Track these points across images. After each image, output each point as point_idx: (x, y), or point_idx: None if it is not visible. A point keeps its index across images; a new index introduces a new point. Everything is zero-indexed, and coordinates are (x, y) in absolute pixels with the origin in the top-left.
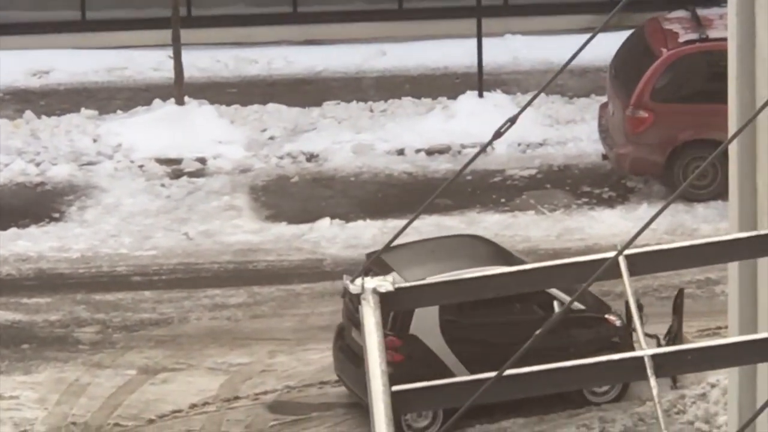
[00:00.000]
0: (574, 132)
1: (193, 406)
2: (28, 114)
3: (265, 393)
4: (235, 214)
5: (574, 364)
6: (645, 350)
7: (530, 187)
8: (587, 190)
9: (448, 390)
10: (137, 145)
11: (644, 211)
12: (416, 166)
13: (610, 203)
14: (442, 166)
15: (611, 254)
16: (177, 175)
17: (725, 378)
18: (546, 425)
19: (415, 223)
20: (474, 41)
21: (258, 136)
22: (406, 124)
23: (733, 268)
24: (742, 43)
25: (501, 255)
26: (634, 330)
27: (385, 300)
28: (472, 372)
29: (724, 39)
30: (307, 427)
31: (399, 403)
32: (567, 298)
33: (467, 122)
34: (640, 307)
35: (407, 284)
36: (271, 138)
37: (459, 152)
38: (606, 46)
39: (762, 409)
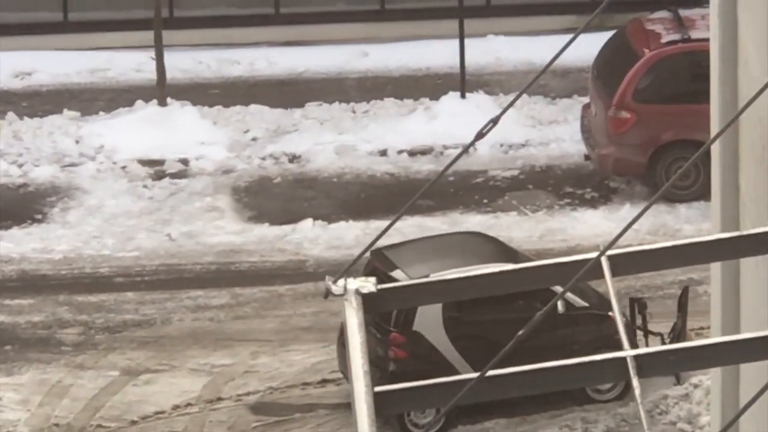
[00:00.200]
0: (556, 133)
1: (176, 407)
2: (11, 115)
3: (248, 394)
4: (218, 215)
5: (557, 365)
6: (627, 351)
7: (513, 188)
8: (570, 190)
9: (432, 391)
10: (120, 147)
11: (627, 211)
12: (399, 167)
13: (592, 204)
14: (425, 166)
15: (594, 255)
16: (159, 176)
17: (708, 378)
18: (528, 426)
19: (398, 224)
20: (456, 42)
21: (240, 137)
22: (389, 125)
23: (715, 268)
24: (724, 44)
25: (505, 252)
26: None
27: (369, 301)
28: (475, 368)
29: (707, 39)
30: (289, 429)
31: (382, 404)
32: (570, 296)
33: (449, 123)
34: (644, 306)
35: (389, 285)
36: (254, 139)
37: (441, 153)
38: (588, 47)
39: (744, 409)
